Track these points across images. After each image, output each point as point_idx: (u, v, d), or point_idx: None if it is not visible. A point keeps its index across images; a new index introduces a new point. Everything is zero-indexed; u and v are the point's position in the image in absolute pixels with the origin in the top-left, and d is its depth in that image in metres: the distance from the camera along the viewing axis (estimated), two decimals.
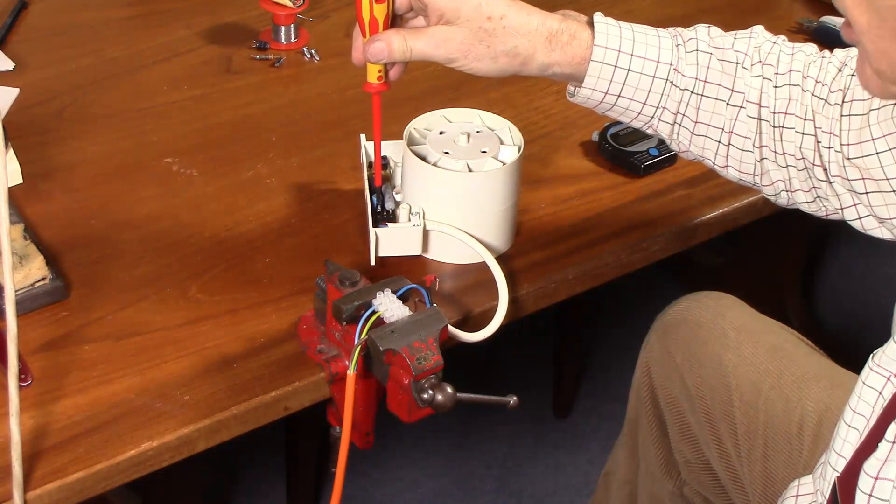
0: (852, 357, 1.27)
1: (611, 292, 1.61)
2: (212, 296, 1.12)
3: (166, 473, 1.01)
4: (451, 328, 1.05)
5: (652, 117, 1.06)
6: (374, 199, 1.17)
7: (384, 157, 1.24)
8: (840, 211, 1.05)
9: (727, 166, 1.08)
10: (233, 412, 1.00)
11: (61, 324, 1.07)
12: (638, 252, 1.23)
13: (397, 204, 1.18)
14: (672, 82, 1.04)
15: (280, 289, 1.13)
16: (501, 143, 1.18)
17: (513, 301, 1.13)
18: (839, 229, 2.39)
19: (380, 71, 1.06)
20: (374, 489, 1.94)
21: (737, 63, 1.04)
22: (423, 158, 1.16)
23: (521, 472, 1.99)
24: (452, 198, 1.15)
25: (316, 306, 1.06)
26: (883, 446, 0.83)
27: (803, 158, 1.03)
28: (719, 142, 1.06)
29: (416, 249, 1.17)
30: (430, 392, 0.94)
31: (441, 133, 1.19)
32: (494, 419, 2.05)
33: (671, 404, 1.33)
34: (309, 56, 1.50)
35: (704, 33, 1.05)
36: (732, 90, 1.04)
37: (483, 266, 1.15)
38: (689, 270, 2.14)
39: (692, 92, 1.04)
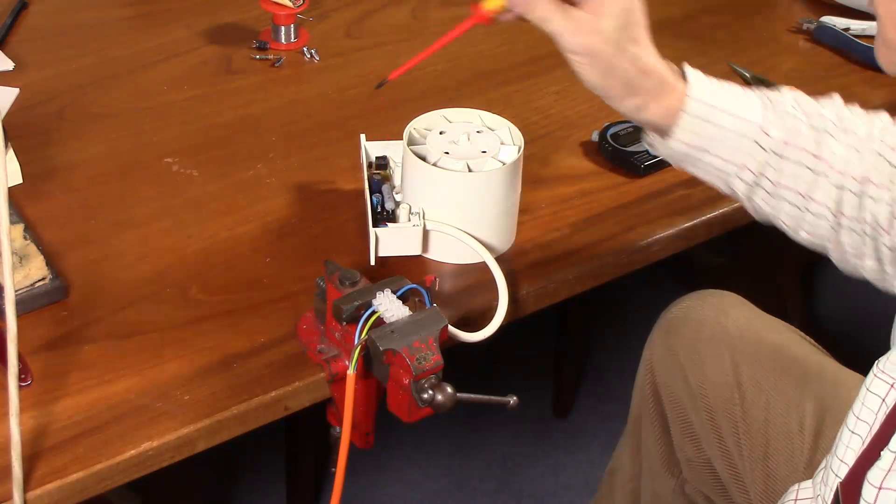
0: (852, 357, 1.28)
1: (611, 292, 1.61)
2: (212, 296, 1.12)
3: (166, 473, 1.01)
4: (451, 328, 1.05)
5: (730, 175, 1.03)
6: (374, 199, 1.17)
7: (384, 157, 1.24)
8: None
9: (799, 229, 1.04)
10: (233, 412, 1.00)
11: (61, 324, 1.07)
12: (638, 252, 1.23)
13: (397, 204, 1.18)
14: (758, 143, 1.01)
15: (280, 289, 1.13)
16: (501, 143, 1.18)
17: (513, 301, 1.13)
18: None
19: (496, 10, 0.99)
20: (374, 489, 1.94)
21: (825, 130, 1.01)
22: (423, 158, 1.16)
23: (521, 472, 1.99)
24: (452, 198, 1.15)
25: (316, 306, 1.06)
26: (886, 455, 0.83)
27: (878, 226, 1.00)
28: (795, 205, 1.03)
29: (416, 249, 1.17)
30: (430, 392, 0.94)
31: (441, 133, 1.19)
32: (494, 419, 2.05)
33: (673, 402, 1.33)
34: (309, 56, 1.50)
35: (790, 96, 1.02)
36: (818, 157, 1.01)
37: (483, 266, 1.15)
38: (690, 270, 2.14)
39: (777, 154, 1.01)
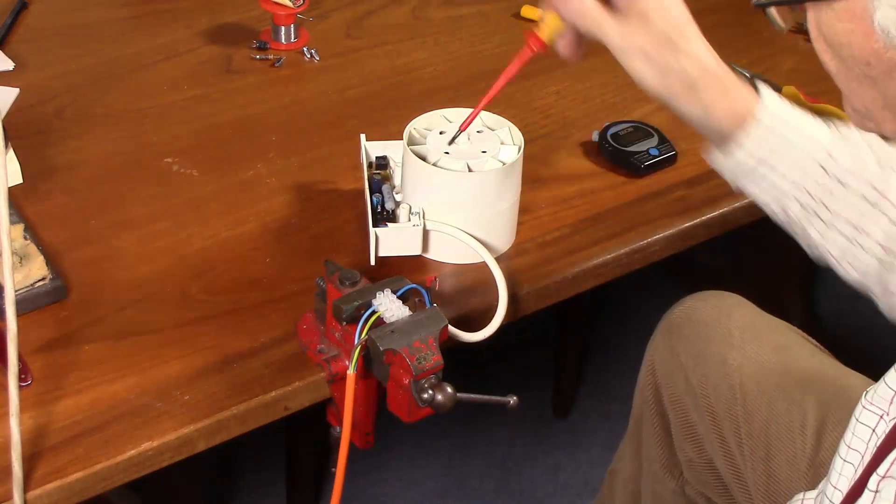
0: (852, 357, 1.28)
1: (611, 292, 1.62)
2: (212, 296, 1.12)
3: (166, 473, 1.01)
4: (451, 328, 1.05)
5: (788, 197, 1.00)
6: (374, 199, 1.17)
7: (384, 157, 1.24)
8: None
9: (847, 264, 1.02)
10: (233, 412, 1.00)
11: (61, 324, 1.07)
12: (638, 252, 1.23)
13: (397, 204, 1.18)
14: (823, 167, 0.98)
15: (280, 289, 1.13)
16: (501, 143, 1.18)
17: (513, 301, 1.13)
18: None
19: (555, 31, 0.99)
20: (374, 489, 1.94)
21: (892, 168, 0.98)
22: (423, 158, 1.16)
23: (521, 472, 1.99)
24: (452, 198, 1.15)
25: (316, 306, 1.06)
26: (866, 496, 0.84)
27: None
28: (846, 237, 1.00)
29: (416, 249, 1.17)
30: (430, 392, 0.94)
31: (441, 133, 1.19)
32: (494, 419, 2.05)
33: (675, 403, 1.33)
34: (309, 56, 1.50)
35: (858, 132, 0.99)
36: (882, 193, 0.98)
37: (483, 266, 1.15)
38: (689, 270, 2.14)
39: (840, 182, 0.98)
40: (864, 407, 0.89)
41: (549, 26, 1.01)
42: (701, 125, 1.00)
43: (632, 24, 0.96)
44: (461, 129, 1.14)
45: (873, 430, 0.87)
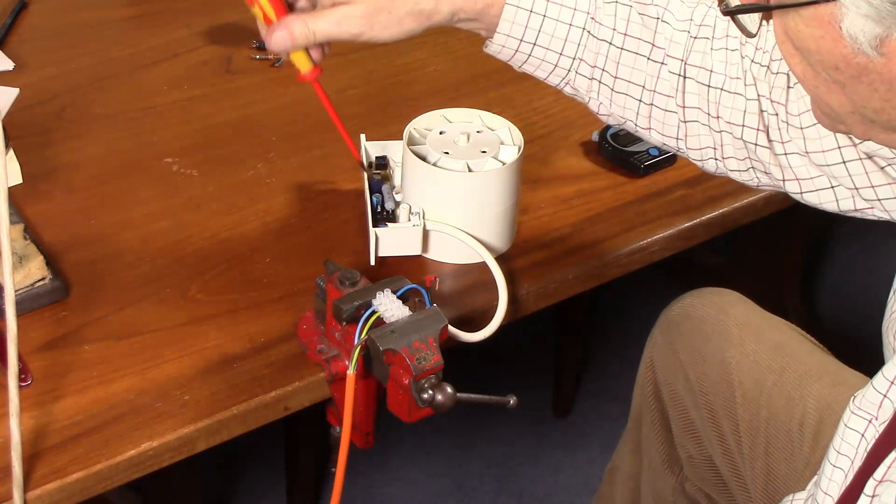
0: (852, 357, 1.28)
1: (611, 292, 1.61)
2: (212, 296, 1.12)
3: (166, 473, 1.01)
4: (451, 328, 1.05)
5: (569, 70, 1.03)
6: (374, 199, 1.17)
7: (383, 157, 1.24)
8: (782, 182, 1.03)
9: (650, 129, 1.05)
10: (233, 412, 1.00)
11: (61, 324, 1.07)
12: (638, 252, 1.23)
13: (397, 204, 1.18)
14: (590, 32, 1.01)
15: (280, 289, 1.13)
16: (501, 143, 1.18)
17: (513, 301, 1.13)
18: (840, 229, 2.40)
19: (307, 59, 1.02)
20: (374, 489, 1.94)
21: (657, 18, 1.01)
22: (423, 158, 1.16)
23: (521, 472, 1.99)
24: (452, 198, 1.15)
25: (316, 306, 1.06)
26: (863, 501, 0.83)
27: (743, 126, 1.01)
28: (640, 100, 1.03)
29: (416, 249, 1.17)
30: (430, 392, 0.94)
31: (441, 133, 1.19)
32: (494, 419, 2.05)
33: (674, 400, 1.33)
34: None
35: None
36: (653, 45, 1.01)
37: (483, 266, 1.15)
38: (689, 270, 2.14)
39: (611, 44, 1.01)
40: (852, 412, 0.89)
41: (298, 63, 1.03)
42: (462, 27, 1.02)
43: (340, 11, 0.97)
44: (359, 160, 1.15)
45: (862, 435, 0.87)
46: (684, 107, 1.03)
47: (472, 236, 1.15)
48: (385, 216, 1.16)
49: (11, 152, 1.25)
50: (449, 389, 0.94)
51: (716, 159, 1.05)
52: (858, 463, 0.86)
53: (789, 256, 2.12)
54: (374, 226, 1.15)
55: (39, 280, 1.08)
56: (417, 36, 1.55)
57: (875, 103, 0.76)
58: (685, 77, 1.02)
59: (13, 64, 1.44)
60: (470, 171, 1.15)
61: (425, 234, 1.16)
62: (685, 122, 1.03)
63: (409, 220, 1.16)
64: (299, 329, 1.06)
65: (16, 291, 0.97)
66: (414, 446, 2.00)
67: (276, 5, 0.98)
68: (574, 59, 1.02)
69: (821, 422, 1.20)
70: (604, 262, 1.20)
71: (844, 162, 0.98)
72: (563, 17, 1.01)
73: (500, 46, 1.02)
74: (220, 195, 1.25)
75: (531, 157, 1.29)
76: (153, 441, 0.97)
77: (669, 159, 1.32)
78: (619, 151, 1.31)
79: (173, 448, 0.98)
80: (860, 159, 0.97)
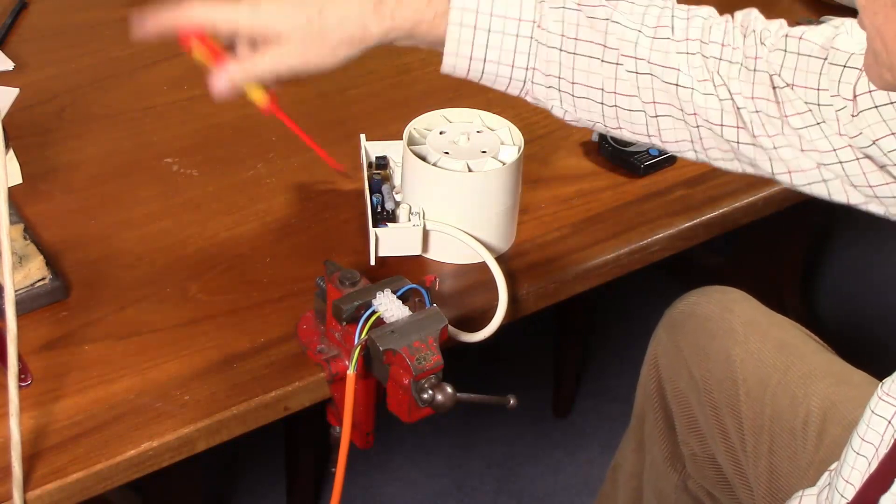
0: (853, 357, 1.28)
1: (611, 292, 1.61)
2: (212, 296, 1.12)
3: (166, 473, 1.01)
4: (451, 328, 1.05)
5: (524, 81, 1.03)
6: (374, 199, 1.18)
7: (384, 157, 1.24)
8: (771, 173, 1.02)
9: (620, 128, 1.04)
10: (233, 412, 1.00)
11: (61, 324, 1.07)
12: (638, 252, 1.23)
13: (397, 204, 1.18)
14: (538, 40, 1.00)
15: (280, 289, 1.13)
16: (501, 143, 1.18)
17: (513, 301, 1.13)
18: (840, 229, 2.40)
19: (260, 92, 1.03)
20: (374, 489, 1.94)
21: (607, 19, 1.00)
22: (423, 158, 1.16)
23: (521, 472, 1.99)
24: (452, 198, 1.15)
25: (316, 306, 1.06)
26: (894, 490, 0.83)
27: (722, 125, 0.99)
28: (603, 103, 1.02)
29: (416, 249, 1.17)
30: (430, 392, 0.94)
31: (441, 133, 1.19)
32: (494, 419, 2.05)
33: (678, 398, 1.33)
34: None
35: None
36: (605, 46, 1.00)
37: (483, 266, 1.15)
38: (689, 270, 2.14)
39: (561, 50, 1.00)
40: (879, 398, 0.88)
41: (253, 96, 1.04)
42: (392, 45, 1.02)
43: (275, 50, 1.00)
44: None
45: (889, 422, 0.86)
46: (654, 102, 1.01)
47: (472, 236, 1.15)
48: (385, 216, 1.16)
49: (11, 152, 1.25)
50: (449, 389, 0.94)
51: (695, 151, 1.04)
52: (884, 450, 0.86)
53: (789, 256, 2.12)
54: (374, 226, 1.15)
55: (39, 280, 1.08)
56: None
57: None
58: (652, 75, 1.00)
59: (13, 64, 1.44)
60: (470, 171, 1.15)
61: (425, 234, 1.16)
62: (656, 116, 1.02)
63: (409, 220, 1.16)
64: (299, 329, 1.06)
65: (16, 291, 0.97)
66: (414, 446, 2.00)
67: (213, 53, 1.01)
68: (527, 69, 1.02)
69: (825, 420, 1.20)
70: (604, 262, 1.20)
71: (841, 162, 0.97)
72: (509, 30, 1.00)
73: (452, 67, 1.03)
74: (220, 195, 1.25)
75: (531, 157, 1.29)
76: (153, 441, 0.97)
77: (669, 159, 1.32)
78: (619, 151, 1.31)
79: (173, 448, 0.98)
80: (857, 160, 0.97)
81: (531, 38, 1.01)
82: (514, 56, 1.01)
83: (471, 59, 1.01)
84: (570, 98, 1.03)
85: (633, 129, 1.04)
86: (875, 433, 0.88)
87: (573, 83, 1.02)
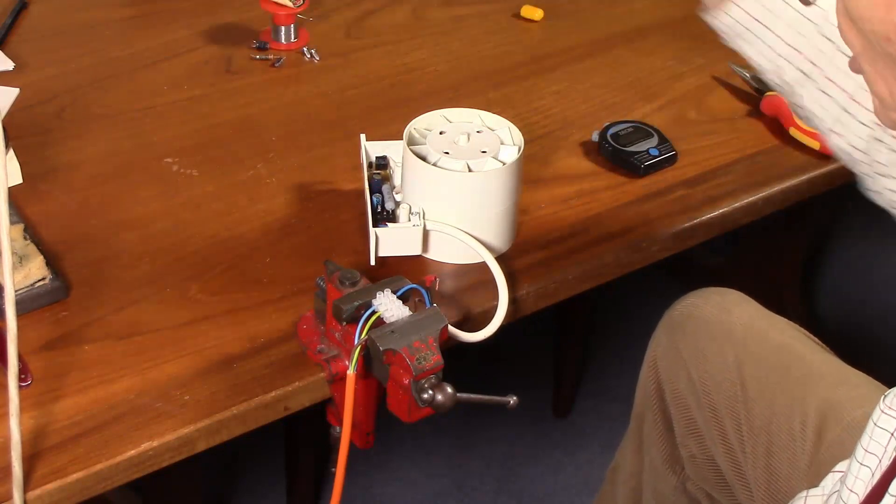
0: (852, 357, 1.28)
1: (611, 292, 1.61)
2: (212, 296, 1.12)
3: (166, 473, 1.01)
4: (451, 328, 1.05)
5: (786, 59, 1.00)
6: (374, 199, 1.18)
7: (383, 157, 1.24)
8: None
9: (837, 135, 1.02)
10: (233, 412, 1.00)
11: (61, 324, 1.07)
12: (638, 252, 1.23)
13: (397, 204, 1.18)
14: (822, 32, 0.98)
15: (280, 289, 1.13)
16: (501, 143, 1.18)
17: (513, 301, 1.13)
18: (840, 229, 2.39)
19: None
20: (374, 489, 1.94)
21: None
22: (423, 158, 1.16)
23: (521, 472, 1.99)
24: (452, 198, 1.15)
25: (316, 306, 1.06)
26: (887, 500, 0.83)
27: None
28: (843, 107, 1.00)
29: (416, 249, 1.17)
30: (430, 392, 0.94)
31: (441, 133, 1.19)
32: (494, 419, 2.05)
33: (677, 399, 1.34)
34: (309, 56, 1.50)
35: None
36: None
37: (483, 266, 1.15)
38: (689, 270, 2.14)
39: (840, 50, 0.97)
40: (882, 411, 0.88)
41: None
42: None
43: None
44: None
45: (892, 434, 0.87)
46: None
47: (472, 236, 1.15)
48: (385, 216, 1.16)
49: (11, 152, 1.25)
50: (449, 389, 0.94)
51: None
52: (887, 462, 0.86)
53: (789, 256, 2.12)
54: (374, 226, 1.15)
55: (39, 280, 1.08)
56: (417, 36, 1.56)
57: None
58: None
59: (13, 64, 1.45)
60: (470, 171, 1.15)
61: (425, 234, 1.16)
62: (877, 138, 0.99)
63: (409, 220, 1.16)
64: (299, 329, 1.06)
65: (16, 291, 0.97)
66: (414, 446, 2.00)
67: None
68: (795, 49, 0.99)
69: (824, 422, 1.20)
70: (604, 262, 1.20)
71: None
72: (801, 8, 0.98)
73: (731, 20, 1.00)
74: (220, 195, 1.25)
75: (531, 157, 1.29)
76: (153, 441, 0.97)
77: (669, 159, 1.32)
78: (619, 151, 1.31)
79: (173, 448, 0.98)
80: None
81: (817, 27, 0.98)
82: (790, 33, 0.99)
83: (752, 17, 0.99)
84: (816, 91, 1.00)
85: (843, 133, 1.01)
86: (878, 445, 0.88)
87: (830, 80, 0.99)
